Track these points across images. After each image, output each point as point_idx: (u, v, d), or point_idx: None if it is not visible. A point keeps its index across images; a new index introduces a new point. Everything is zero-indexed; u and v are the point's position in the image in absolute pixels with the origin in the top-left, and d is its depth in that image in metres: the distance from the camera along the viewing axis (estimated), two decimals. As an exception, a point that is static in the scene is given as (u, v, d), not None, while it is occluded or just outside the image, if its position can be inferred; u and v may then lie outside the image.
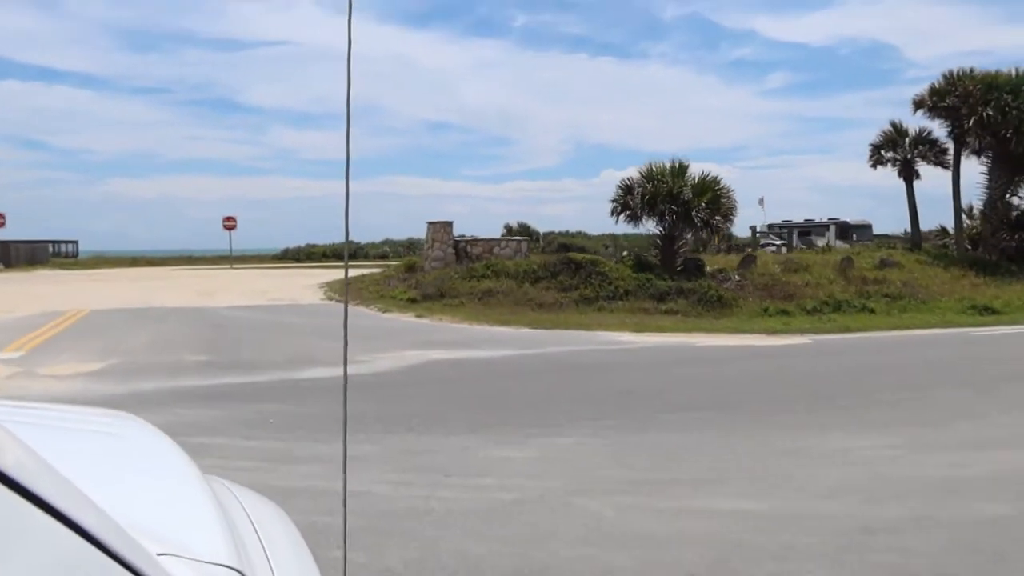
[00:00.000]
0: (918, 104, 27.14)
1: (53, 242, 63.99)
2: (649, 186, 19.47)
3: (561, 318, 15.92)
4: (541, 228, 71.46)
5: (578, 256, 19.82)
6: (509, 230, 66.25)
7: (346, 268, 2.18)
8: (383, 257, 60.29)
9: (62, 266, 46.30)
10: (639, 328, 14.60)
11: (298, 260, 58.07)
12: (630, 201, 19.76)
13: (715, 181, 19.84)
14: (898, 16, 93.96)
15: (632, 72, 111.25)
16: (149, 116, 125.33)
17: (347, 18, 1.44)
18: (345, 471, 1.66)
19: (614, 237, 71.45)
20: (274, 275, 31.17)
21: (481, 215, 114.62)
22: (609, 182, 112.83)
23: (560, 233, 68.94)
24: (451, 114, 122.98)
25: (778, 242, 64.40)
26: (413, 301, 18.31)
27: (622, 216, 20.21)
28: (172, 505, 1.28)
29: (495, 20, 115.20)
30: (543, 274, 18.85)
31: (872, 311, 17.28)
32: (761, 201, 75.35)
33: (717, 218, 19.78)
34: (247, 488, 1.73)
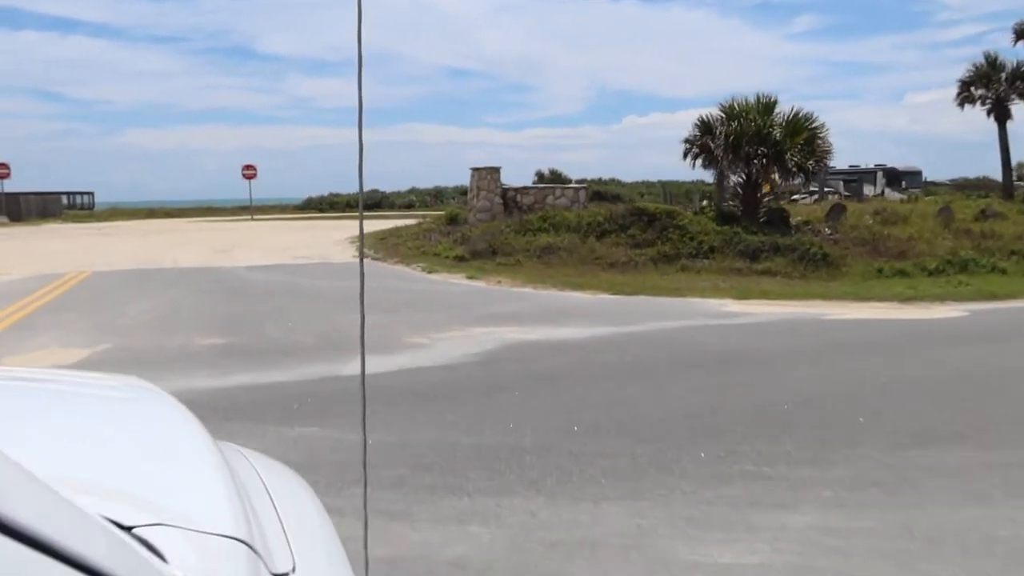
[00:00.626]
0: (1021, 33, 23.90)
1: (68, 193, 61.99)
2: (733, 125, 16.68)
3: (640, 280, 13.40)
4: (573, 175, 68.68)
5: (651, 206, 17.18)
6: (541, 177, 63.17)
7: (360, 225, 1.84)
8: (409, 206, 57.85)
9: (75, 219, 44.28)
10: (741, 294, 12.05)
11: (320, 210, 55.70)
12: (710, 143, 17.00)
13: (808, 119, 17.00)
14: None
15: (655, 15, 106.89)
16: (166, 65, 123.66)
17: None
18: (365, 454, 1.54)
19: (649, 185, 68.29)
20: (297, 227, 28.78)
21: (501, 162, 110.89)
22: (631, 128, 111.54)
23: (593, 180, 65.86)
24: (471, 61, 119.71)
25: (826, 190, 61.20)
26: (461, 259, 15.83)
27: (698, 161, 17.48)
28: (174, 473, 1.19)
29: None
30: (610, 227, 16.26)
31: (1004, 271, 14.59)
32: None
33: (811, 162, 17.00)
34: (266, 456, 1.61)
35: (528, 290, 12.71)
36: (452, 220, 19.84)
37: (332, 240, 21.77)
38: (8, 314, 10.33)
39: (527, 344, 8.23)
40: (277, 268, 15.40)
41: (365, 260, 14.09)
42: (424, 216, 24.20)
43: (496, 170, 19.21)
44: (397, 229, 22.83)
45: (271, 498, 1.30)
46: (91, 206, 61.75)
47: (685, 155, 17.94)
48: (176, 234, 25.21)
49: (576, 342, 8.44)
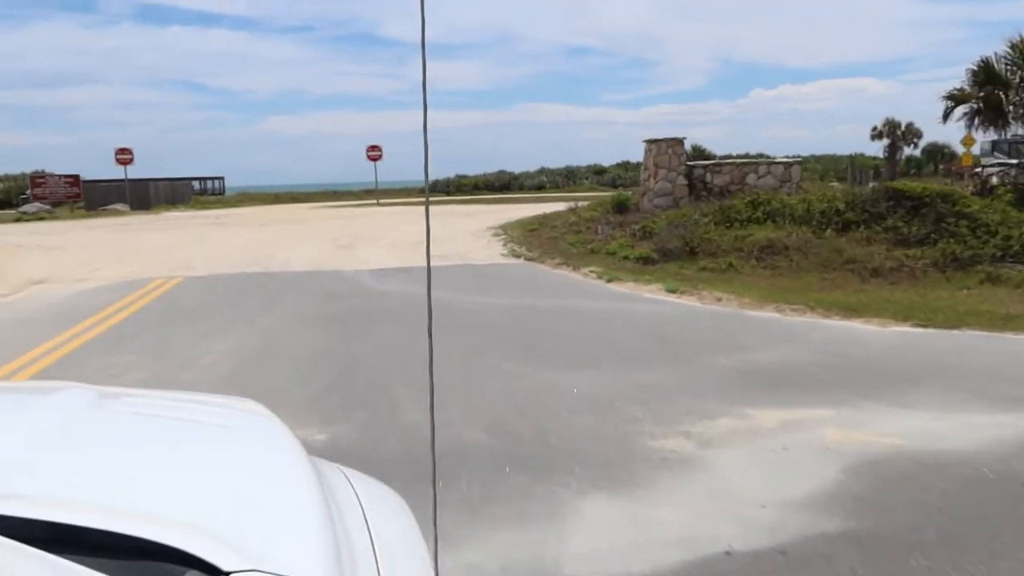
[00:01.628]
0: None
1: (200, 179, 62.17)
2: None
3: (938, 299, 8.96)
4: (717, 152, 62.44)
5: (914, 186, 12.45)
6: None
7: (427, 218, 1.81)
8: (539, 188, 54.18)
9: (202, 205, 43.20)
10: None
11: (447, 193, 52.95)
12: (997, 96, 12.13)
13: None
14: None
15: None
16: (297, 54, 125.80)
17: None
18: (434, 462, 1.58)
19: (811, 160, 61.53)
20: (421, 214, 25.51)
21: (621, 141, 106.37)
22: (759, 101, 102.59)
23: (740, 155, 60.00)
24: (589, 37, 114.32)
25: (1012, 162, 52.92)
26: (647, 261, 11.82)
27: (977, 119, 12.64)
28: (276, 513, 1.19)
29: None
30: (855, 217, 11.78)
31: None
32: None
33: None
34: (367, 477, 1.67)
35: (772, 315, 8.55)
36: (621, 207, 15.80)
37: (469, 230, 18.24)
38: (50, 349, 7.23)
39: (904, 473, 4.14)
40: (410, 272, 11.89)
41: (517, 261, 9.22)
42: (575, 202, 20.25)
43: (679, 142, 15.00)
44: (546, 217, 19.04)
45: (368, 528, 1.34)
46: (221, 191, 61.68)
47: (944, 116, 13.14)
48: (295, 224, 22.44)
49: (956, 456, 4.27)
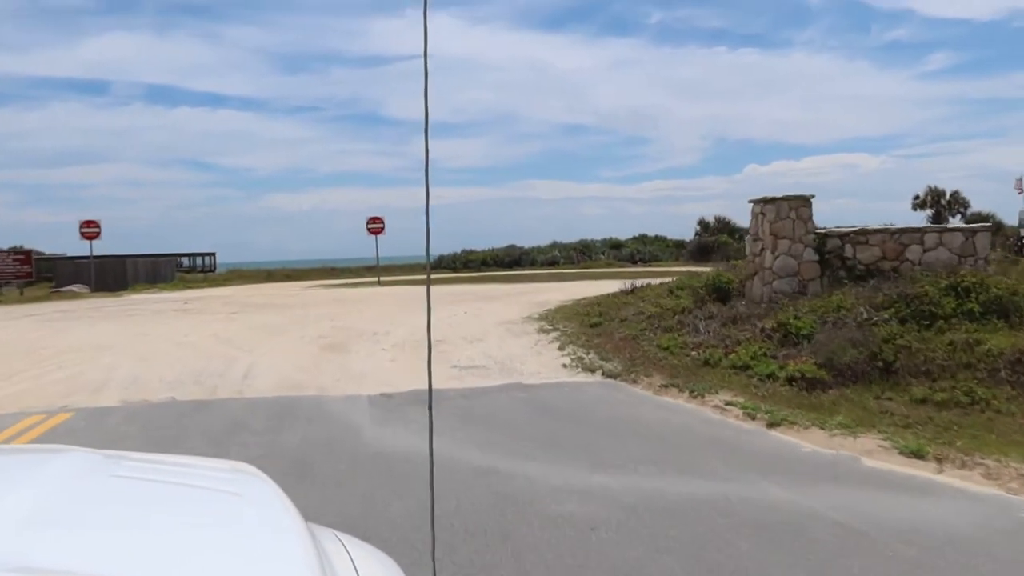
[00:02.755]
0: None
1: (189, 255, 58.31)
2: None
3: None
4: (686, 234, 57.94)
5: None
6: (705, 226, 54.38)
7: (428, 300, 1.93)
8: (553, 263, 50.22)
9: (186, 284, 38.95)
10: None
11: (453, 269, 48.94)
12: None
13: None
14: None
15: (776, 63, 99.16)
16: (302, 133, 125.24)
17: (423, 24, 1.67)
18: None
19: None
20: (438, 297, 21.19)
21: (618, 216, 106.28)
22: (753, 176, 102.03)
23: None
24: (586, 116, 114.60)
25: None
26: (812, 384, 7.35)
27: None
28: None
29: (629, 18, 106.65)
30: None
31: None
32: (1019, 182, 58.99)
33: None
34: (361, 542, 1.66)
35: None
36: (719, 290, 11.39)
37: (501, 321, 13.86)
38: None
39: None
40: (436, 404, 7.36)
41: (595, 378, 8.49)
42: (629, 282, 15.99)
43: (805, 202, 10.69)
44: (600, 303, 14.67)
45: None
46: (212, 268, 57.71)
47: None
48: (278, 311, 18.03)
49: None
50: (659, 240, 56.40)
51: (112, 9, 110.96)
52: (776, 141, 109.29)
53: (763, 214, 10.91)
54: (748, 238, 11.63)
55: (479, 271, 47.50)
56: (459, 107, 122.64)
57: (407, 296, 21.26)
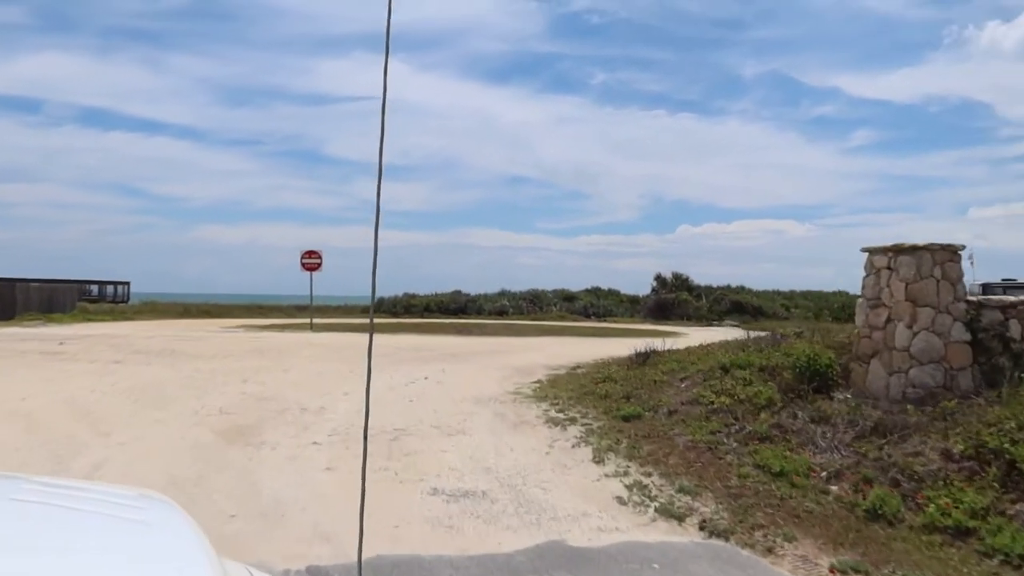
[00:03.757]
0: None
1: (99, 283, 52.56)
2: None
3: None
4: (629, 286, 55.35)
5: None
6: (663, 282, 51.56)
7: (370, 350, 1.99)
8: (502, 313, 46.67)
9: (88, 316, 33.75)
10: None
11: (394, 313, 44.90)
12: None
13: None
14: (988, 74, 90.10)
15: (711, 128, 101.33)
16: (240, 166, 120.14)
17: (383, 67, 1.85)
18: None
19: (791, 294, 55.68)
20: (383, 350, 17.22)
21: (555, 268, 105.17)
22: (685, 237, 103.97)
23: (724, 288, 53.76)
24: (529, 168, 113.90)
25: None
26: None
27: None
28: None
29: (574, 77, 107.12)
30: None
31: None
32: (971, 258, 58.12)
33: None
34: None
35: None
36: (817, 375, 7.82)
37: (480, 396, 10.06)
38: None
39: None
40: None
41: (696, 543, 5.02)
42: (644, 346, 12.49)
43: (953, 254, 7.34)
44: (609, 374, 11.00)
45: None
46: (125, 298, 52.10)
47: None
48: (180, 361, 13.80)
49: None
50: (612, 294, 53.41)
51: (52, 28, 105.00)
52: (709, 204, 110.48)
53: (892, 269, 7.47)
54: (861, 303, 8.14)
55: (422, 317, 43.55)
56: (404, 150, 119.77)
57: (346, 347, 17.21)
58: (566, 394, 9.92)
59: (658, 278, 50.31)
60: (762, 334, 13.49)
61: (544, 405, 9.31)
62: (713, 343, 13.76)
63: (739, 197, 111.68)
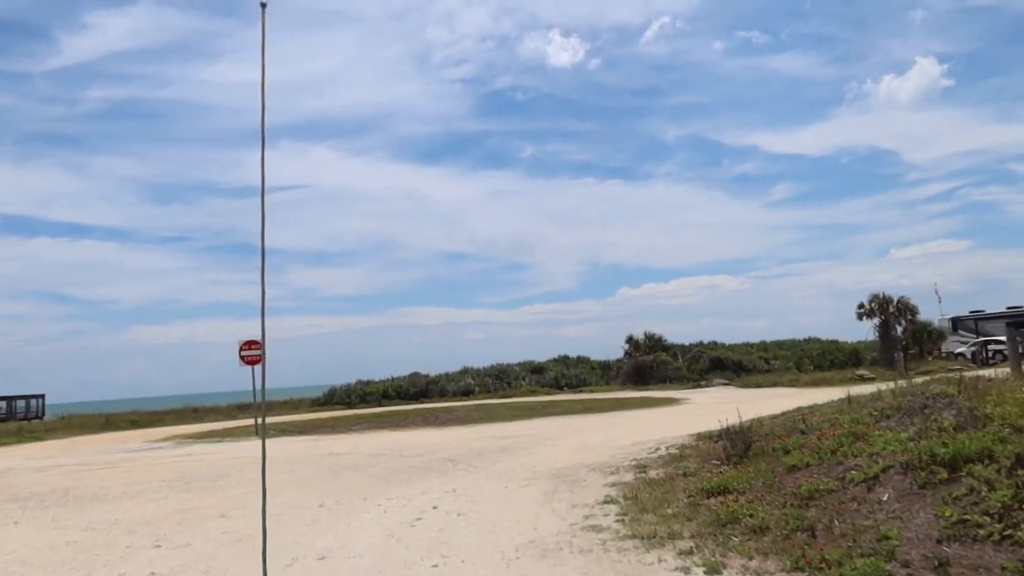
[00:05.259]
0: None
1: (9, 398, 46.70)
2: None
3: None
4: (577, 349, 52.61)
5: None
6: (636, 345, 48.25)
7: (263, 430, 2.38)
8: (467, 393, 42.60)
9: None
10: None
11: (348, 404, 40.49)
12: None
13: None
14: (892, 123, 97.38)
15: (640, 192, 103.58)
16: (172, 264, 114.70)
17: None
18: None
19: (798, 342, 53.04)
20: (350, 459, 13.22)
21: (500, 341, 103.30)
22: (625, 299, 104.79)
23: (698, 345, 50.75)
24: (465, 244, 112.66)
25: (972, 340, 46.19)
26: None
27: None
28: None
29: (504, 152, 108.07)
30: None
31: None
32: (937, 292, 56.57)
33: None
34: None
35: None
36: None
37: (540, 540, 6.31)
38: None
39: None
40: None
41: None
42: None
43: None
44: (741, 486, 7.31)
45: None
46: (39, 413, 46.37)
47: None
48: (64, 512, 9.60)
49: None
50: (583, 362, 49.88)
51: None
52: (644, 265, 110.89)
53: None
54: None
55: (380, 405, 39.23)
56: (336, 236, 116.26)
57: (304, 461, 13.12)
58: (679, 526, 6.20)
59: (630, 340, 47.07)
60: (821, 398, 10.15)
61: (664, 552, 5.57)
62: (787, 410, 10.29)
63: (673, 256, 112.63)
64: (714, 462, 8.60)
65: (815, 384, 32.59)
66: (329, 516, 7.97)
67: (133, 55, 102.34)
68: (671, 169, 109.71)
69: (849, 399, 10.32)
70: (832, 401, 12.19)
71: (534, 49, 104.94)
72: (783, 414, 11.99)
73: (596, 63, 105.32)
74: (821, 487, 6.20)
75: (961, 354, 43.66)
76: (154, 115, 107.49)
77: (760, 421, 11.16)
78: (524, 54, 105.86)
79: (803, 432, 9.01)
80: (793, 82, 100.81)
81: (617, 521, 6.60)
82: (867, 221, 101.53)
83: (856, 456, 6.98)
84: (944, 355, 44.77)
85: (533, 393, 41.01)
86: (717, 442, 10.18)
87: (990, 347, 40.85)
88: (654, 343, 46.76)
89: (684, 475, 8.15)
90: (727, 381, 38.09)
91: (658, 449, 10.72)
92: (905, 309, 42.50)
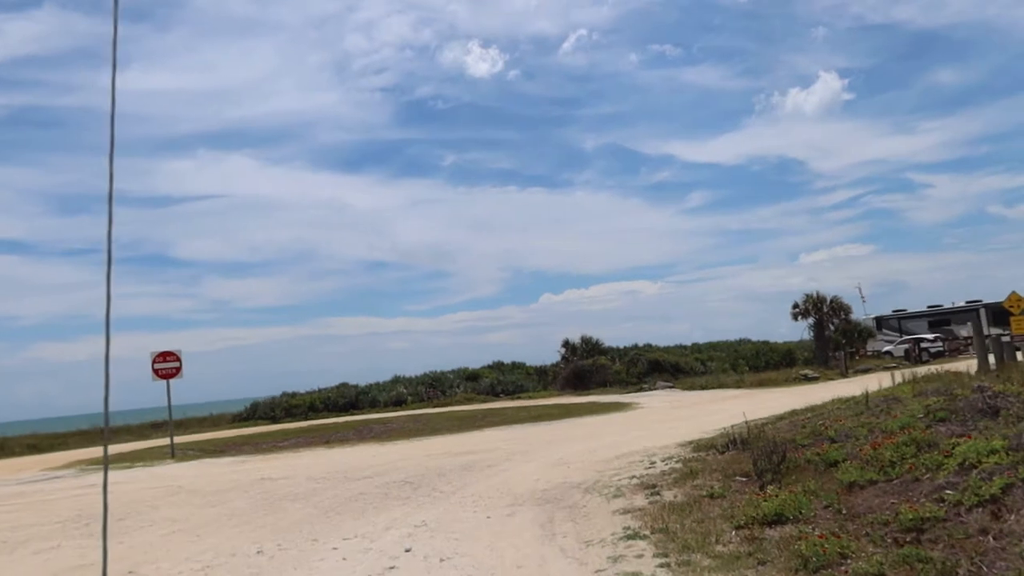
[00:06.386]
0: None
1: None
2: None
3: None
4: (494, 356, 51.81)
5: None
6: (572, 349, 47.06)
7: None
8: (400, 403, 40.64)
9: None
10: None
11: (272, 419, 37.96)
12: None
13: None
14: (798, 134, 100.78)
15: (561, 200, 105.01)
16: (79, 277, 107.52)
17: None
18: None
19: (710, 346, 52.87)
20: (282, 488, 11.40)
21: (424, 350, 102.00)
22: (548, 305, 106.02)
23: (632, 348, 49.93)
24: (387, 253, 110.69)
25: (899, 339, 47.12)
26: None
27: None
28: None
29: (425, 161, 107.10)
30: None
31: None
32: (860, 291, 57.57)
33: None
34: None
35: None
36: None
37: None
38: None
39: None
40: None
41: None
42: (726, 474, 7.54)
43: None
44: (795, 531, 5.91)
45: None
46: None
47: None
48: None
49: None
50: (518, 367, 48.42)
51: None
52: (565, 272, 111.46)
53: None
54: None
55: (307, 418, 36.84)
56: (255, 246, 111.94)
57: (231, 491, 11.17)
58: (751, 572, 4.73)
59: (567, 344, 45.84)
60: (780, 399, 9.03)
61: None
62: (778, 414, 9.03)
63: (593, 263, 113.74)
64: (739, 479, 7.21)
65: (761, 385, 32.01)
66: (272, 568, 6.21)
67: (35, 61, 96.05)
68: (590, 177, 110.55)
69: (867, 400, 9.11)
70: (835, 400, 11.04)
71: (453, 59, 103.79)
72: (783, 418, 10.76)
73: (515, 73, 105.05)
74: (925, 514, 4.84)
75: (888, 352, 44.17)
76: (58, 123, 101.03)
77: (759, 427, 9.89)
78: (444, 64, 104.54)
79: (833, 440, 7.72)
80: (705, 93, 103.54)
81: (661, 567, 5.08)
82: (778, 227, 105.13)
83: (934, 470, 5.69)
84: (871, 353, 45.24)
85: (469, 401, 39.39)
86: (724, 452, 8.83)
87: (922, 345, 41.40)
88: (591, 347, 45.70)
89: (710, 497, 6.73)
90: (670, 384, 37.27)
91: (653, 463, 9.29)
92: (839, 309, 42.73)
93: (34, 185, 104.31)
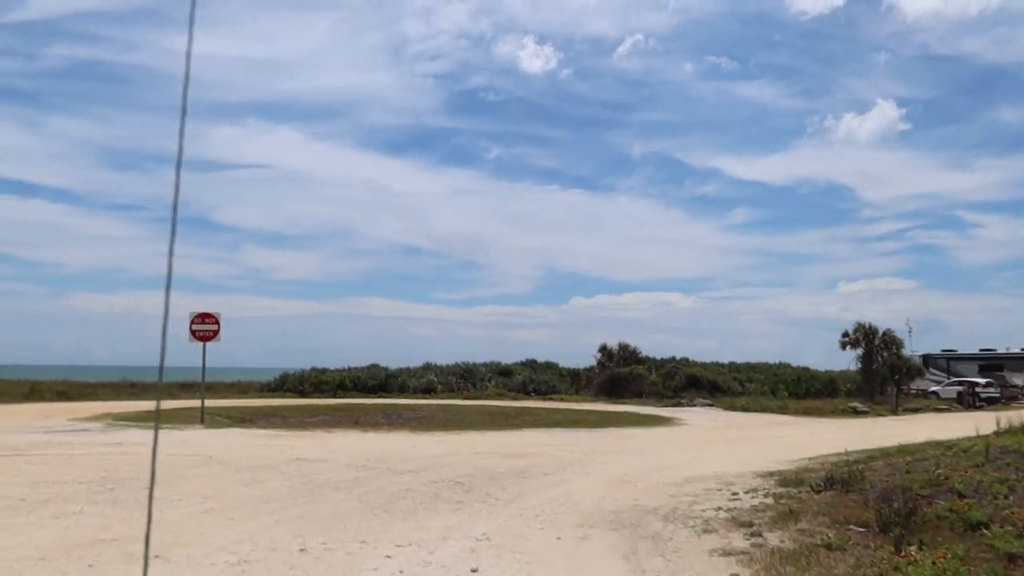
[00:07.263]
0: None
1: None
2: None
3: None
4: (524, 354, 51.07)
5: None
6: (609, 355, 45.97)
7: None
8: (429, 390, 39.93)
9: None
10: None
11: (301, 393, 37.45)
12: None
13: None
14: (850, 160, 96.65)
15: (601, 204, 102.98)
16: (123, 232, 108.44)
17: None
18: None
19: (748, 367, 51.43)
20: (308, 469, 10.58)
21: (450, 338, 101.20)
22: (578, 308, 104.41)
23: (670, 360, 48.76)
24: (423, 239, 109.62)
25: (947, 380, 44.78)
26: None
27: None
28: None
29: (470, 151, 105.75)
30: None
31: None
32: (909, 327, 54.91)
33: None
34: None
35: None
36: None
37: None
38: None
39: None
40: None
41: None
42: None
43: None
44: None
45: None
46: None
47: None
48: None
49: None
50: (551, 368, 47.45)
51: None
52: (600, 276, 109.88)
53: None
54: None
55: (335, 396, 36.28)
56: (295, 219, 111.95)
57: (265, 469, 10.41)
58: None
59: (603, 349, 44.75)
60: (835, 433, 7.95)
61: None
62: (867, 449, 8.00)
63: (629, 270, 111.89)
64: (855, 528, 6.22)
65: (806, 413, 30.72)
66: (318, 572, 5.38)
67: (101, 16, 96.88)
68: (634, 183, 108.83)
69: (987, 452, 8.04)
70: (931, 443, 9.96)
71: (508, 52, 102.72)
72: (873, 457, 9.70)
73: (568, 72, 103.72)
74: None
75: (935, 393, 42.00)
76: (117, 79, 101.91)
77: (848, 464, 8.86)
78: (498, 56, 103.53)
79: (962, 495, 6.68)
80: (759, 110, 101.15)
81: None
82: (819, 252, 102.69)
83: None
84: (915, 392, 43.14)
85: (500, 396, 38.51)
86: (820, 492, 7.83)
87: (977, 389, 39.07)
88: (628, 355, 44.55)
89: (827, 548, 5.75)
90: (709, 402, 36.05)
91: (736, 495, 8.31)
92: (891, 342, 41.07)
93: (88, 138, 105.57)
